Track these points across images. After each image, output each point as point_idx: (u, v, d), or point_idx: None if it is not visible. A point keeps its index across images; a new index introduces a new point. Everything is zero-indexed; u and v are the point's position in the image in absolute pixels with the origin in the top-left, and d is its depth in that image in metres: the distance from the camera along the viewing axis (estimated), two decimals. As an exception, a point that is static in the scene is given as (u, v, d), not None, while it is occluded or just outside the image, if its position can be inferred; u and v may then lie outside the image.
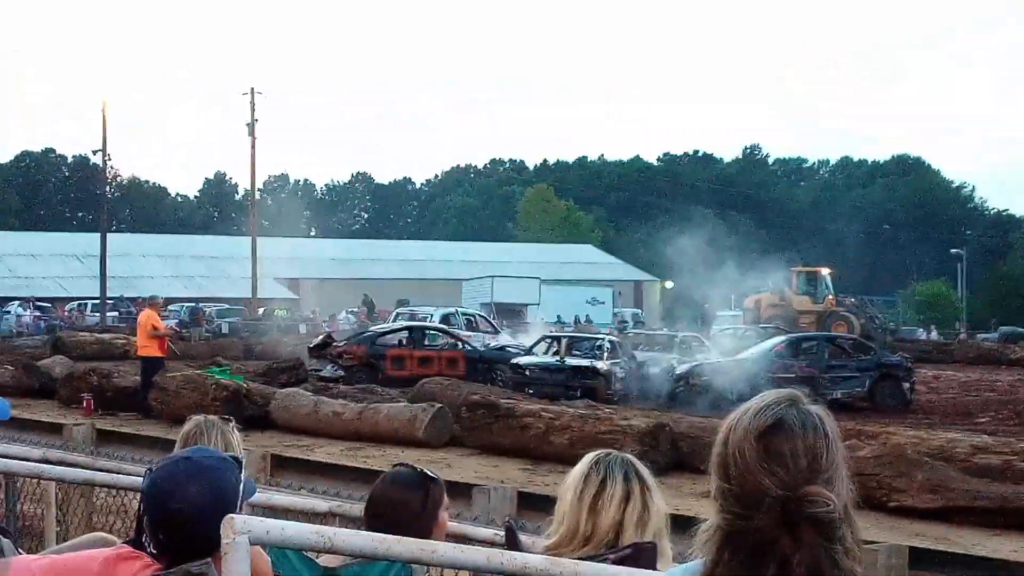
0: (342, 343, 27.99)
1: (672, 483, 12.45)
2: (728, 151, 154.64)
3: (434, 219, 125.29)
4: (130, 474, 5.18)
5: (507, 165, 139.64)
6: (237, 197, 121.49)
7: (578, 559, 2.78)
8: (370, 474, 10.28)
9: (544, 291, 66.81)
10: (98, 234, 58.14)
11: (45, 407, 20.75)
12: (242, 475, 2.64)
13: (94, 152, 62.11)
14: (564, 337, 28.20)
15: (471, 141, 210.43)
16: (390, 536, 2.56)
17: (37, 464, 5.42)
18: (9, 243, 79.10)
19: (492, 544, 3.94)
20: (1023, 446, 12.56)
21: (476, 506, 9.28)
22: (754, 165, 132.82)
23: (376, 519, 3.30)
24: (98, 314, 56.23)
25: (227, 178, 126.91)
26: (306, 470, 11.96)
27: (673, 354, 27.80)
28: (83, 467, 5.82)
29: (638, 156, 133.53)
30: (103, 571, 2.57)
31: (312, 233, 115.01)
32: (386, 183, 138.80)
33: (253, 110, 61.57)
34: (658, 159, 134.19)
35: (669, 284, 78.83)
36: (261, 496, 4.61)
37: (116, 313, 57.06)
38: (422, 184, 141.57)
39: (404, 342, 28.03)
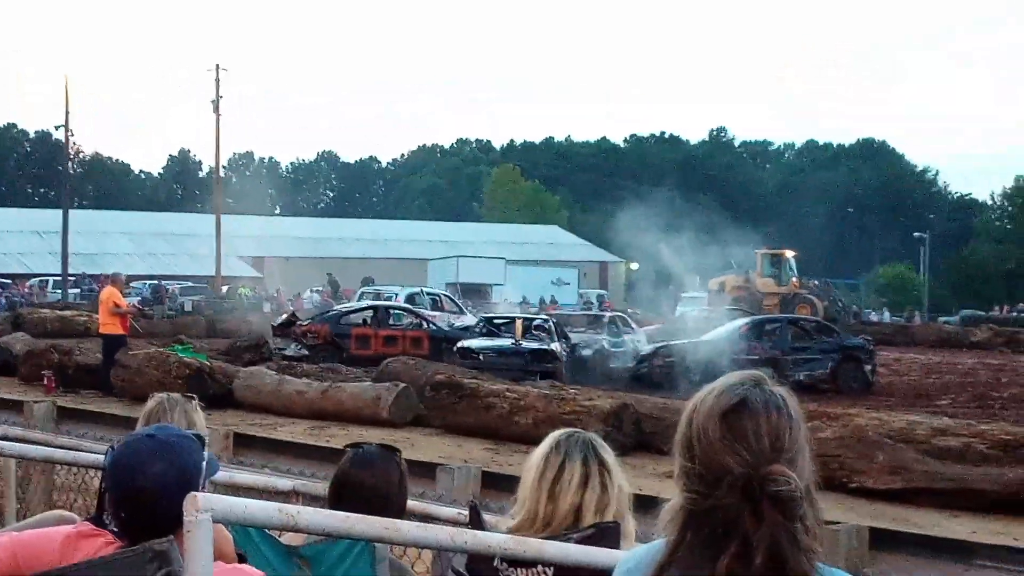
0: (306, 322, 27.87)
1: (635, 463, 12.50)
2: (694, 133, 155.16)
3: (400, 198, 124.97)
4: (91, 452, 5.15)
5: (473, 145, 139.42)
6: (201, 175, 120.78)
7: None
8: (334, 453, 10.27)
9: (509, 271, 66.81)
10: (60, 210, 57.65)
11: (5, 384, 20.57)
12: (205, 453, 2.63)
13: (56, 128, 61.57)
14: (502, 319, 27.97)
15: (438, 120, 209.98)
16: (354, 515, 2.56)
17: (-3, 441, 5.38)
18: (-30, 219, 78.32)
19: (456, 523, 3.94)
20: (983, 428, 12.67)
21: (440, 485, 9.30)
22: (720, 147, 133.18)
23: (352, 502, 3.23)
24: (59, 291, 55.79)
25: (191, 155, 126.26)
26: (269, 449, 11.94)
27: (603, 335, 27.13)
28: (43, 444, 5.77)
29: (605, 137, 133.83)
30: (64, 548, 2.55)
31: (277, 212, 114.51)
32: (352, 162, 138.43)
33: (218, 87, 61.16)
34: (625, 140, 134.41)
35: (634, 265, 79.03)
36: (223, 474, 4.59)
37: (78, 290, 56.63)
38: (388, 163, 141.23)
39: (368, 321, 27.95)
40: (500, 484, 9.23)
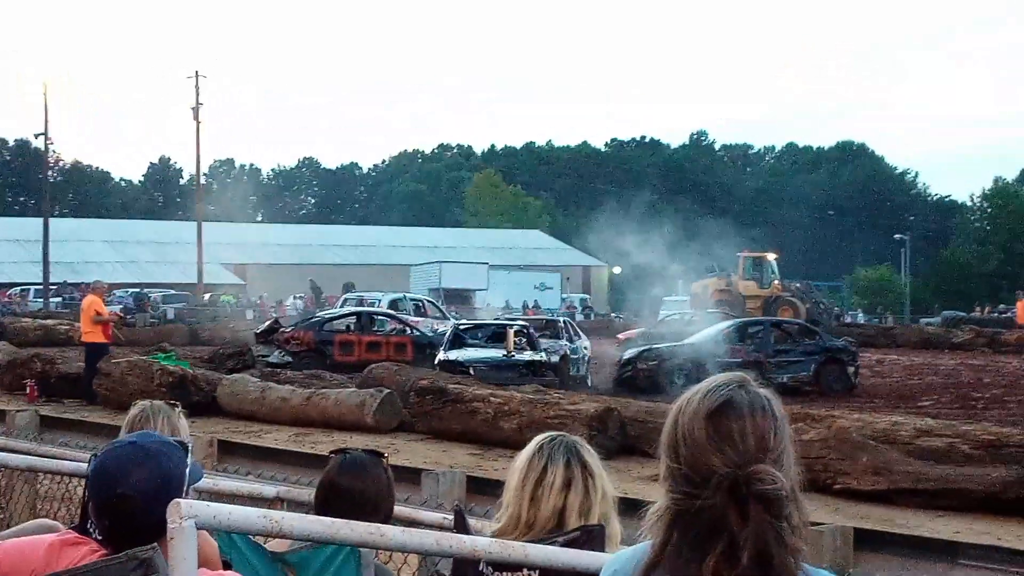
0: (289, 329, 27.85)
1: (620, 467, 12.50)
2: (675, 137, 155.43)
3: (382, 204, 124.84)
4: (74, 460, 5.13)
5: (455, 150, 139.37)
6: (182, 182, 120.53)
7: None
8: (318, 459, 10.24)
9: (492, 276, 66.91)
10: (40, 219, 57.45)
11: (-13, 394, 20.49)
12: (188, 460, 2.62)
13: (36, 136, 61.30)
14: (485, 326, 26.39)
15: (419, 126, 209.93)
16: (338, 520, 2.55)
17: (-21, 451, 5.35)
18: (-51, 228, 77.99)
19: (441, 528, 3.94)
20: (966, 428, 12.71)
21: (425, 490, 9.29)
22: (701, 151, 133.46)
23: (338, 507, 3.20)
24: (41, 300, 55.59)
25: (172, 163, 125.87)
26: (254, 456, 11.92)
27: (563, 340, 26.35)
28: (26, 453, 5.75)
29: (586, 142, 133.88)
30: (48, 557, 2.54)
31: (259, 218, 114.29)
32: (333, 168, 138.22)
33: (198, 94, 61.08)
34: (606, 145, 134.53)
35: (617, 269, 79.15)
36: (207, 481, 4.57)
37: (60, 299, 56.44)
38: (369, 169, 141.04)
39: (352, 327, 27.92)
40: (485, 489, 9.23)
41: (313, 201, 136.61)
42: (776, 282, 46.25)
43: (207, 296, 60.12)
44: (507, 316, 39.41)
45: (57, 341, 31.28)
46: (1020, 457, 11.30)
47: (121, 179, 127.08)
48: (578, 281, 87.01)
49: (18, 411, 15.46)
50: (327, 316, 30.13)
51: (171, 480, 2.51)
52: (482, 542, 2.73)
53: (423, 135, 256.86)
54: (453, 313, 40.88)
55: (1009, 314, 54.02)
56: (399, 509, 3.91)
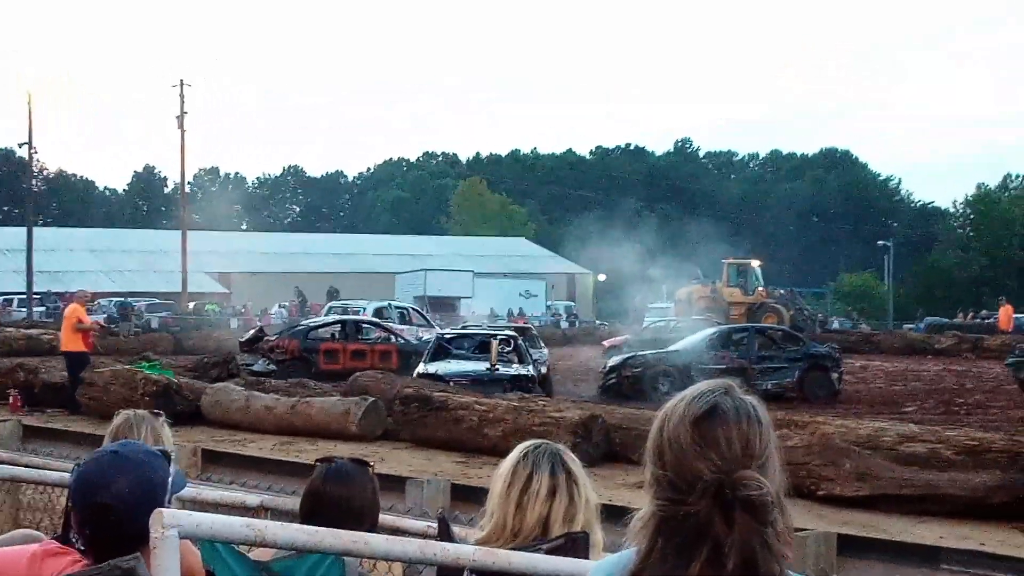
0: (274, 337, 27.79)
1: (605, 474, 12.50)
2: (660, 144, 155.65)
3: (367, 212, 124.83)
4: (57, 470, 5.11)
5: (440, 158, 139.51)
6: (167, 191, 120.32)
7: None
8: (303, 468, 10.23)
9: (477, 284, 66.93)
10: (24, 228, 57.26)
11: (-30, 404, 20.36)
12: (172, 469, 2.61)
13: (20, 145, 61.09)
14: (470, 336, 24.85)
15: (403, 134, 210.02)
16: (322, 528, 2.55)
17: (-39, 461, 5.32)
18: (-68, 237, 77.58)
19: (425, 536, 3.93)
20: (949, 434, 12.73)
21: (409, 498, 9.29)
22: (685, 158, 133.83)
23: (324, 516, 3.20)
24: (25, 309, 55.37)
25: (156, 171, 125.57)
26: (238, 465, 11.89)
27: (540, 349, 25.90)
28: (9, 463, 5.72)
29: (570, 149, 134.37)
30: (30, 567, 2.53)
31: (243, 227, 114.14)
32: (318, 176, 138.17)
33: (182, 102, 60.93)
34: (590, 152, 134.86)
35: (602, 277, 79.26)
36: (190, 491, 4.56)
37: (43, 308, 56.23)
38: (354, 177, 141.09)
39: (337, 336, 27.89)
40: (470, 496, 9.23)
41: (298, 209, 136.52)
42: (760, 289, 46.36)
43: (191, 305, 59.97)
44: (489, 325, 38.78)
45: (41, 351, 31.14)
46: (1003, 462, 11.32)
47: (105, 188, 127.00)
48: (563, 289, 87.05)
49: (1, 421, 15.41)
50: (312, 324, 30.07)
51: (153, 489, 2.50)
52: (466, 550, 2.73)
53: (408, 143, 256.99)
54: (438, 321, 40.86)
55: (992, 320, 54.13)
56: (383, 517, 3.91)
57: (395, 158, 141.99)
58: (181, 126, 61.08)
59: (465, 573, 2.87)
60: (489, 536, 3.00)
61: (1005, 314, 47.64)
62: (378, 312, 36.70)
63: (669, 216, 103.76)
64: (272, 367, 25.39)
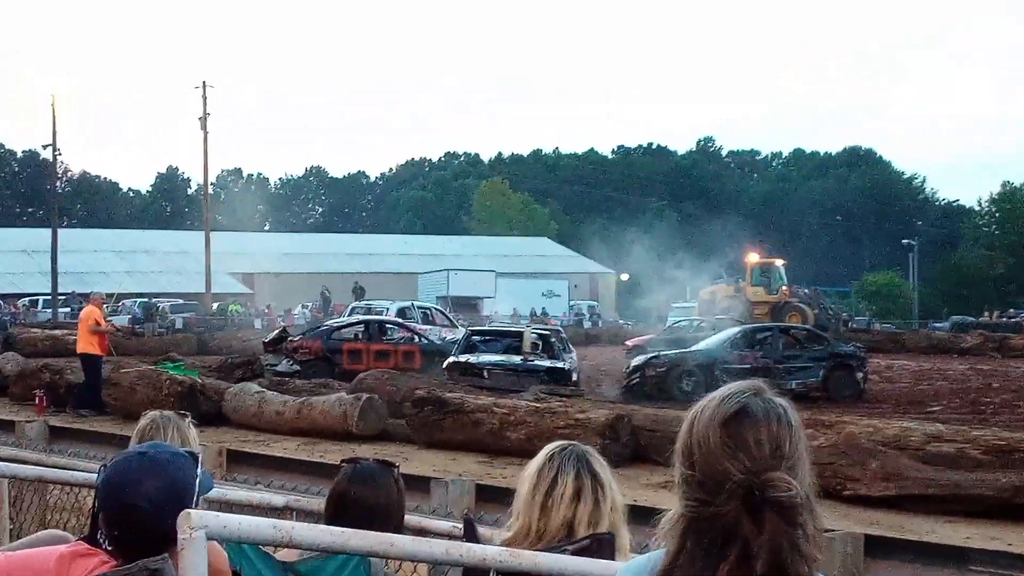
0: (297, 338, 27.83)
1: (630, 474, 12.48)
2: (682, 144, 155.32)
3: (389, 213, 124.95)
4: (84, 470, 5.13)
5: (462, 158, 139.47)
6: (190, 192, 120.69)
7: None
8: (327, 469, 10.24)
9: (500, 284, 66.89)
10: (49, 230, 57.56)
11: (-4, 404, 20.51)
12: (199, 470, 2.62)
13: (44, 147, 61.38)
14: (501, 333, 25.33)
15: (426, 134, 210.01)
16: (348, 529, 2.55)
17: (-11, 462, 5.35)
18: (-42, 240, 78.13)
19: (450, 537, 3.93)
20: (976, 434, 12.68)
21: (434, 499, 9.28)
22: (708, 157, 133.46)
23: (350, 517, 3.19)
24: (50, 310, 55.68)
25: (179, 173, 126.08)
26: (262, 465, 11.90)
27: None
28: (36, 464, 5.75)
29: (593, 149, 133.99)
30: (59, 568, 2.54)
31: (266, 228, 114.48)
32: (340, 177, 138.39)
33: (205, 104, 61.13)
34: (613, 152, 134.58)
35: (625, 276, 79.12)
36: (217, 491, 4.57)
37: (68, 309, 56.53)
38: (376, 177, 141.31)
39: (360, 336, 27.90)
40: (495, 497, 9.21)
41: (320, 210, 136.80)
42: (784, 288, 46.15)
43: (215, 305, 60.21)
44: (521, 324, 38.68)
45: (66, 352, 31.25)
46: (1031, 462, 11.27)
47: (129, 189, 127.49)
48: (585, 288, 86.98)
49: (28, 421, 15.49)
50: (335, 325, 30.10)
51: (181, 490, 2.51)
52: (492, 551, 2.72)
53: (430, 143, 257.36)
54: (461, 321, 40.87)
55: (1018, 319, 53.88)
56: (408, 518, 3.90)
57: (417, 158, 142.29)
58: (204, 127, 61.30)
59: (491, 574, 2.87)
60: (515, 537, 3.00)
61: (1031, 313, 47.32)
62: (401, 312, 36.73)
63: (692, 215, 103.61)
64: (296, 367, 25.43)
